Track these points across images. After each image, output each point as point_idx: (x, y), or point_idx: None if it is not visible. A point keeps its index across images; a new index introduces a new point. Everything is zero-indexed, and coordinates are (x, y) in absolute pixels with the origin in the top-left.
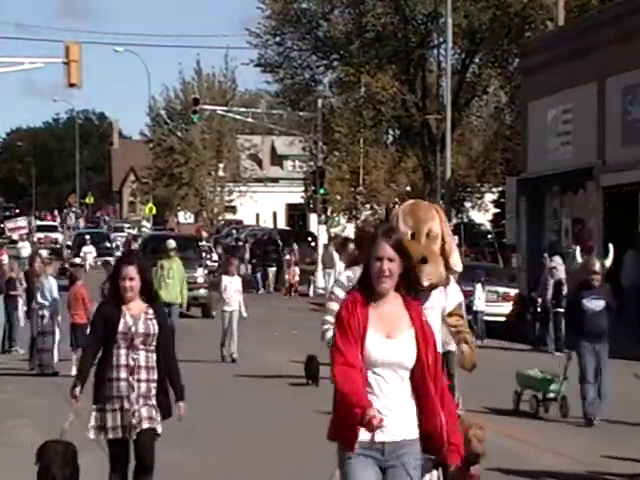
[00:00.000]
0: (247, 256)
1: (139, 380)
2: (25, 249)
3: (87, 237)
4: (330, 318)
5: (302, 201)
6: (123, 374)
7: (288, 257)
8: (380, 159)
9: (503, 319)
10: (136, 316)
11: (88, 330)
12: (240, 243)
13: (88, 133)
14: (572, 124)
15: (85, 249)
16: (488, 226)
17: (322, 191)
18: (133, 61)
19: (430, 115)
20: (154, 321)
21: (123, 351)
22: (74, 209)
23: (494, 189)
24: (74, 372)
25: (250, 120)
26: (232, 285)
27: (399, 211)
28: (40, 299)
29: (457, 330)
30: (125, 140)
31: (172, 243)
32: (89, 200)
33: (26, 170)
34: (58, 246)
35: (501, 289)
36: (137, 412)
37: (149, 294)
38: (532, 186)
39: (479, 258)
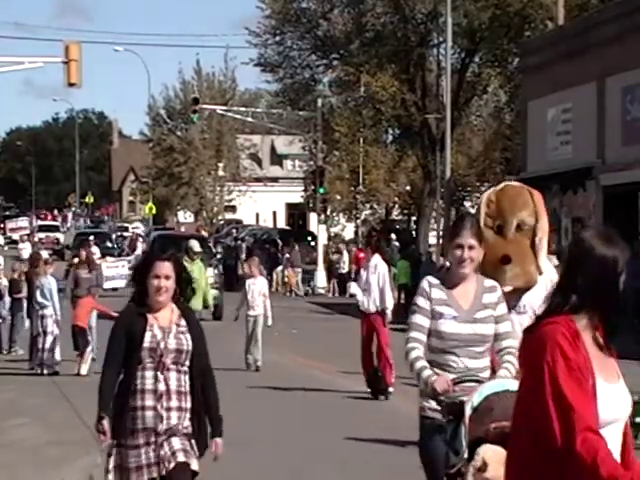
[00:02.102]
0: (243, 256)
1: (169, 409)
2: (26, 250)
3: (91, 238)
4: (416, 335)
5: (302, 201)
6: (149, 401)
7: (288, 257)
8: (380, 158)
9: None
10: (166, 328)
11: (101, 334)
12: (238, 242)
13: (88, 133)
14: (572, 124)
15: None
16: None
17: (322, 191)
18: (133, 61)
19: (430, 114)
20: (187, 335)
21: (149, 373)
22: (74, 209)
23: None
24: (83, 371)
25: (250, 119)
26: (255, 287)
27: (483, 198)
28: (40, 299)
29: None
30: (125, 140)
31: (196, 245)
32: (89, 200)
33: (26, 170)
34: (59, 246)
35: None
36: (168, 444)
37: (181, 300)
38: (532, 185)
39: None
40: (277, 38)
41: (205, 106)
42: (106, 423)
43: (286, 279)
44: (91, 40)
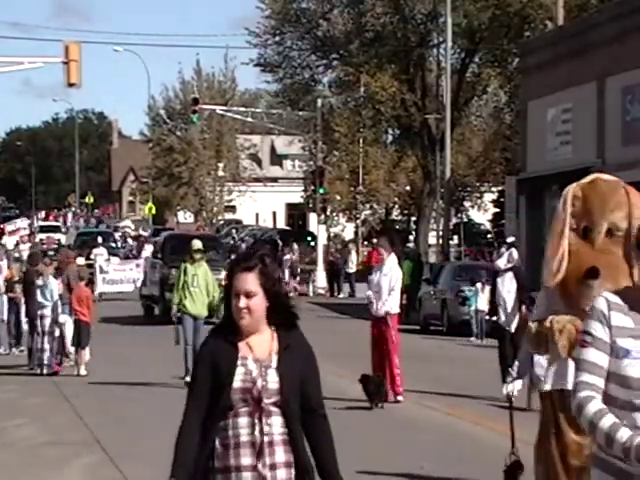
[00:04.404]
0: None
1: (273, 466)
2: (27, 252)
3: (99, 239)
4: (589, 378)
5: (302, 201)
6: (246, 459)
7: (288, 257)
8: (380, 159)
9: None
10: (263, 360)
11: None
12: (238, 243)
13: (88, 133)
14: (572, 124)
15: (95, 251)
16: (487, 225)
17: (322, 191)
18: (133, 61)
19: (430, 115)
20: (293, 367)
21: (244, 420)
22: (74, 209)
23: (493, 189)
24: (82, 372)
25: (250, 120)
26: None
27: (568, 193)
28: (41, 299)
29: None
30: (125, 140)
31: (198, 244)
32: (88, 200)
33: (26, 170)
34: (65, 253)
35: None
36: None
37: (283, 319)
38: (531, 186)
39: (478, 258)
40: (277, 38)
41: (205, 106)
42: None
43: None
44: (91, 40)
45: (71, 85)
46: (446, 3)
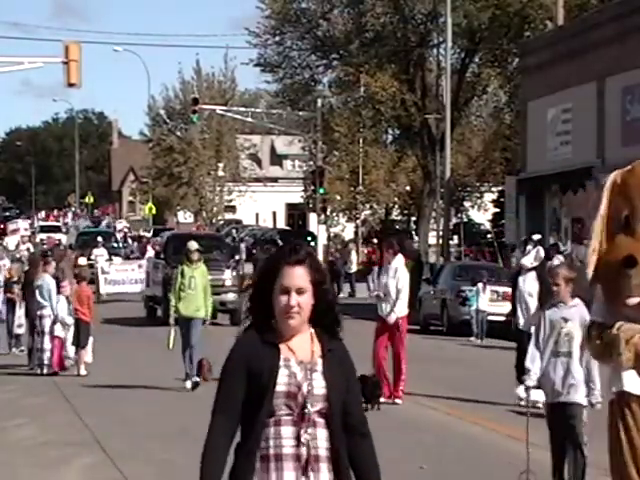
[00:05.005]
0: (244, 256)
1: None
2: (27, 252)
3: (99, 239)
4: None
5: (302, 201)
6: (289, 474)
7: None
8: (380, 159)
9: (503, 318)
10: (307, 363)
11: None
12: (237, 243)
13: (88, 133)
14: (571, 124)
15: (96, 252)
16: (488, 226)
17: (322, 191)
18: (133, 61)
19: (429, 115)
20: (336, 372)
21: (288, 429)
22: (74, 209)
23: (494, 189)
24: (82, 372)
25: (250, 120)
26: None
27: (608, 181)
28: (40, 299)
29: None
30: (125, 140)
31: (194, 245)
32: (88, 200)
33: (26, 170)
34: (62, 248)
35: (501, 288)
36: None
37: (329, 320)
38: (531, 186)
39: (479, 258)
40: (277, 38)
41: (205, 106)
42: None
43: None
44: (91, 40)
45: (71, 85)
46: (446, 3)
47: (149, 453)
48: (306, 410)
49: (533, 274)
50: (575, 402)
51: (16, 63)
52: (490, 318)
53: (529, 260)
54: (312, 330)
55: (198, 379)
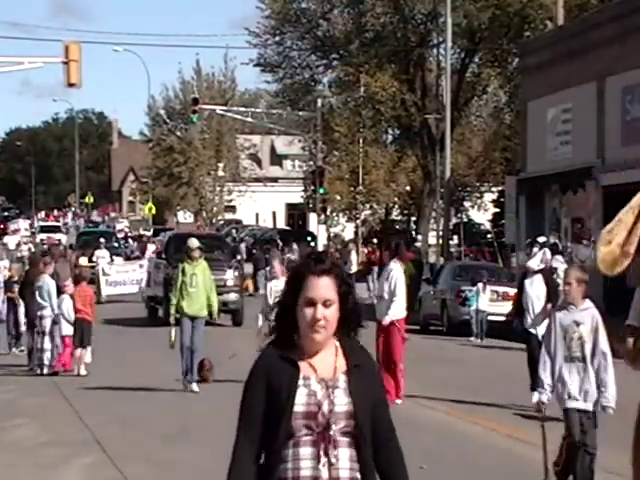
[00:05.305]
0: (244, 256)
1: None
2: (28, 252)
3: (101, 239)
4: None
5: (302, 201)
6: None
7: (288, 256)
8: (380, 159)
9: (503, 318)
10: (329, 380)
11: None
12: (237, 243)
13: (88, 133)
14: (571, 124)
15: (98, 253)
16: (488, 226)
17: (322, 191)
18: (133, 61)
19: (429, 115)
20: (361, 387)
21: (307, 450)
22: (73, 209)
23: (493, 189)
24: (82, 372)
25: (249, 120)
26: (278, 290)
27: None
28: (40, 299)
29: None
30: (125, 140)
31: (195, 242)
32: (88, 200)
33: (26, 170)
34: (61, 247)
35: (501, 288)
36: None
37: (350, 331)
38: (531, 185)
39: (479, 258)
40: (277, 38)
41: (205, 106)
42: None
43: None
44: (91, 40)
45: (71, 85)
46: (446, 3)
47: (149, 453)
48: (328, 430)
49: (540, 277)
50: (590, 410)
51: (16, 63)
52: (490, 318)
53: (535, 262)
54: (337, 343)
55: (197, 388)
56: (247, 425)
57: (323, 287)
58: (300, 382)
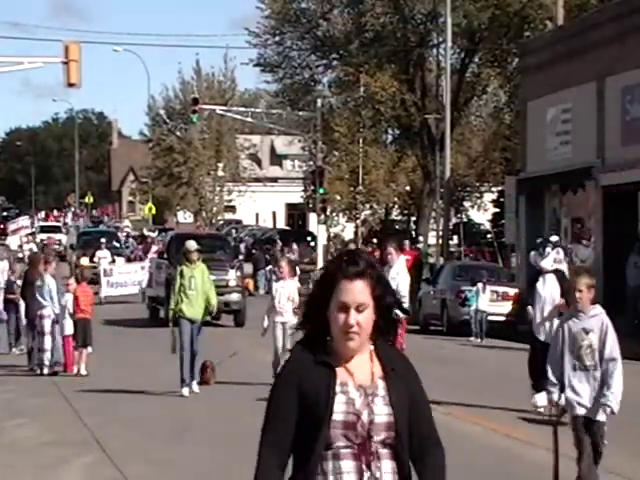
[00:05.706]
0: (243, 256)
1: None
2: (27, 252)
3: (102, 240)
4: None
5: (301, 201)
6: None
7: (288, 256)
8: (379, 159)
9: (503, 318)
10: (368, 388)
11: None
12: (236, 243)
13: (87, 133)
14: (571, 124)
15: (99, 254)
16: (487, 226)
17: (321, 191)
18: (133, 61)
19: (429, 115)
20: (400, 394)
21: (349, 463)
22: (73, 209)
23: (493, 189)
24: (82, 372)
25: (249, 120)
26: (284, 291)
27: None
28: (40, 299)
29: None
30: (124, 140)
31: (193, 244)
32: (88, 200)
33: (25, 170)
34: (62, 248)
35: (501, 288)
36: None
37: (385, 334)
38: (531, 185)
39: (479, 258)
40: (277, 38)
41: (205, 106)
42: None
43: None
44: (90, 40)
45: (71, 85)
46: (446, 3)
47: (149, 453)
48: (369, 441)
49: (553, 276)
50: (602, 420)
51: (16, 63)
52: (490, 318)
53: (549, 263)
54: (372, 347)
55: (197, 389)
56: (274, 436)
57: (356, 291)
58: (338, 389)
